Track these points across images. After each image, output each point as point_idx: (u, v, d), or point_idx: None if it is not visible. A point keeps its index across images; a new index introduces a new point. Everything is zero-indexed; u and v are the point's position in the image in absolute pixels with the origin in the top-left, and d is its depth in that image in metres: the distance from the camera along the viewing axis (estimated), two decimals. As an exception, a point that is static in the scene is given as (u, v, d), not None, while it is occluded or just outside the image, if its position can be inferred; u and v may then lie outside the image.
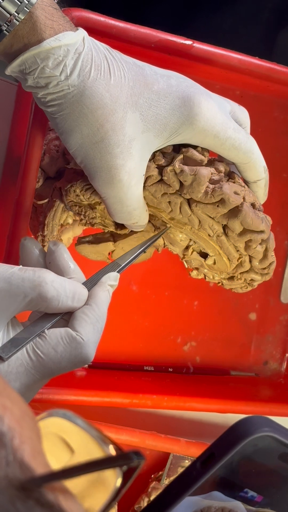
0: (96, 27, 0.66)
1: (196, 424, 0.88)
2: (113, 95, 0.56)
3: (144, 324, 0.86)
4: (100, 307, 0.55)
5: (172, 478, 0.79)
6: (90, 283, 0.57)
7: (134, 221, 0.62)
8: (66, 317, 0.55)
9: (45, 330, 0.54)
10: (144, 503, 0.79)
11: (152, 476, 0.84)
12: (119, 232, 0.65)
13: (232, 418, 0.86)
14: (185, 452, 0.81)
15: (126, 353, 0.86)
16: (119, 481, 0.37)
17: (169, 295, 0.87)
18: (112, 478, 0.38)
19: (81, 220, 0.66)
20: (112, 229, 0.64)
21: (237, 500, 0.47)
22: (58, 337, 0.53)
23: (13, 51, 0.55)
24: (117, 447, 0.39)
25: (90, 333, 0.54)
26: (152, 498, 0.79)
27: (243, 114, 0.64)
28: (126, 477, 0.37)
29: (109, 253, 0.68)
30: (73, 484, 0.36)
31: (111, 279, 0.58)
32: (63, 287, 0.54)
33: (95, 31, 0.66)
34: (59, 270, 0.56)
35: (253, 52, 0.75)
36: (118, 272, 0.60)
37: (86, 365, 0.82)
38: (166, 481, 0.80)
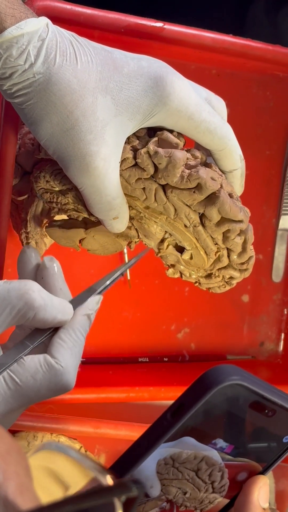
0: (62, 15, 0.65)
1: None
2: (81, 81, 0.55)
3: (136, 315, 0.85)
4: (77, 331, 0.54)
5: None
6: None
7: (115, 214, 0.60)
8: (46, 342, 0.54)
9: (23, 356, 0.52)
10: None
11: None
12: (92, 218, 0.63)
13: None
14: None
15: (119, 346, 0.84)
16: None
17: (159, 283, 0.86)
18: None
19: (53, 208, 0.64)
20: (85, 215, 0.62)
21: None
22: (37, 364, 0.52)
23: None
24: (115, 477, 0.37)
25: (68, 359, 0.53)
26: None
27: (220, 103, 0.62)
28: (126, 508, 0.35)
29: (79, 241, 0.66)
30: None
31: (92, 304, 0.57)
32: (50, 298, 0.53)
33: (62, 20, 0.64)
34: (48, 288, 0.56)
35: (224, 28, 0.73)
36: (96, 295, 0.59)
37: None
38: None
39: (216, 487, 0.49)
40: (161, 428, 0.43)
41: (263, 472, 0.49)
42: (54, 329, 0.55)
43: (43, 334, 0.54)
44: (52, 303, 0.53)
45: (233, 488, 0.49)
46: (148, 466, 0.44)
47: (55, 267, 0.57)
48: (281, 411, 0.45)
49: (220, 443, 0.46)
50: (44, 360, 0.52)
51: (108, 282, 0.60)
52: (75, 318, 0.55)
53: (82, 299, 0.57)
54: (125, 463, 0.43)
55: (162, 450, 0.45)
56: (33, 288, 0.52)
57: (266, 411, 0.45)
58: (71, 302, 0.56)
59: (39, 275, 0.57)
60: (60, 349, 0.53)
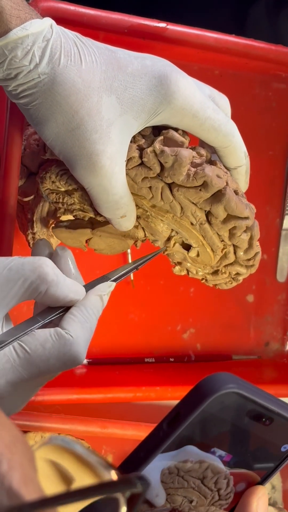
0: (66, 16, 0.65)
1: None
2: (86, 80, 0.55)
3: (141, 316, 0.85)
4: (88, 309, 0.55)
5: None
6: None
7: (122, 212, 0.60)
8: (56, 322, 0.54)
9: (34, 329, 0.53)
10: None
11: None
12: (98, 218, 0.63)
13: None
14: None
15: (126, 347, 0.84)
16: (123, 510, 0.35)
17: (164, 284, 0.86)
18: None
19: (59, 209, 0.64)
20: (91, 215, 0.62)
21: None
22: (47, 334, 0.52)
23: None
24: (120, 473, 0.37)
25: (78, 331, 0.53)
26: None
27: (223, 100, 0.63)
28: (130, 504, 0.35)
29: (86, 241, 0.66)
30: None
31: (105, 287, 0.58)
32: (63, 276, 0.54)
33: (66, 21, 0.64)
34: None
35: (225, 29, 0.74)
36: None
37: (86, 362, 0.81)
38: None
39: (222, 494, 0.48)
40: (158, 438, 0.43)
41: (261, 482, 0.49)
42: (65, 309, 0.55)
43: (54, 312, 0.55)
44: (64, 282, 0.54)
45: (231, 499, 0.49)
46: (152, 476, 0.44)
47: (67, 255, 0.58)
48: (278, 420, 0.45)
49: (218, 452, 0.46)
50: (54, 331, 0.52)
51: (122, 272, 0.60)
52: (87, 297, 0.56)
53: (95, 284, 0.58)
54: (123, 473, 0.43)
55: (165, 459, 0.44)
56: (47, 263, 0.53)
57: (264, 419, 0.45)
58: (84, 286, 0.57)
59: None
60: (71, 322, 0.53)
